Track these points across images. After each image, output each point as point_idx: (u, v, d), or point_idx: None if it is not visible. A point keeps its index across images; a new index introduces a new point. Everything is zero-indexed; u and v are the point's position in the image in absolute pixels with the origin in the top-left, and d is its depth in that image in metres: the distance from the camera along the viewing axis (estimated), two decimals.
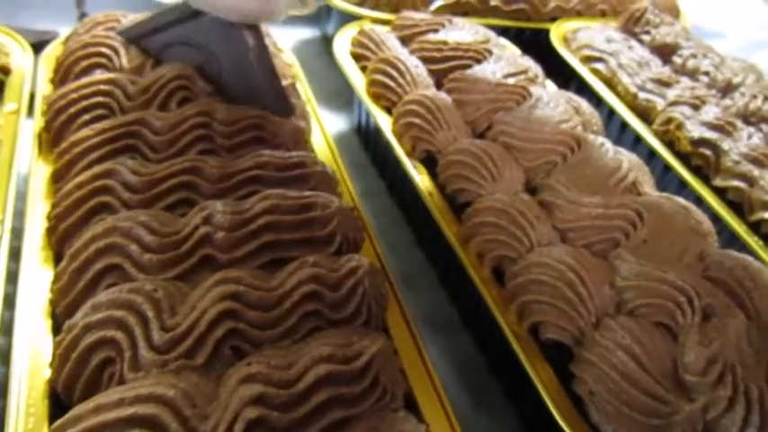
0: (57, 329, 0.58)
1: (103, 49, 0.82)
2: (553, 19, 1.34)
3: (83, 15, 1.21)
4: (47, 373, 0.54)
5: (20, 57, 0.89)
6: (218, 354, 0.53)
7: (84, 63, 0.81)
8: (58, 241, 0.64)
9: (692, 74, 1.13)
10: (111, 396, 0.47)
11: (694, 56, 1.15)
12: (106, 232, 0.59)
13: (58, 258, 0.63)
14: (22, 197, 0.70)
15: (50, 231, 0.65)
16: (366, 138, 1.10)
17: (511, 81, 0.93)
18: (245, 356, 0.53)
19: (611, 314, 0.67)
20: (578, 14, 1.37)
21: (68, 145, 0.70)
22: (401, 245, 0.95)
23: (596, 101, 1.13)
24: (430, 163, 0.89)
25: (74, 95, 0.75)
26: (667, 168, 1.02)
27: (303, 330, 0.57)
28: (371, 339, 0.56)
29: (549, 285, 0.68)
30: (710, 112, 1.01)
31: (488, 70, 0.94)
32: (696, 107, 1.03)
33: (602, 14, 1.40)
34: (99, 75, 0.78)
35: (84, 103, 0.74)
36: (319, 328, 0.58)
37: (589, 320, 0.66)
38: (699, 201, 0.94)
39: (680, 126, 1.01)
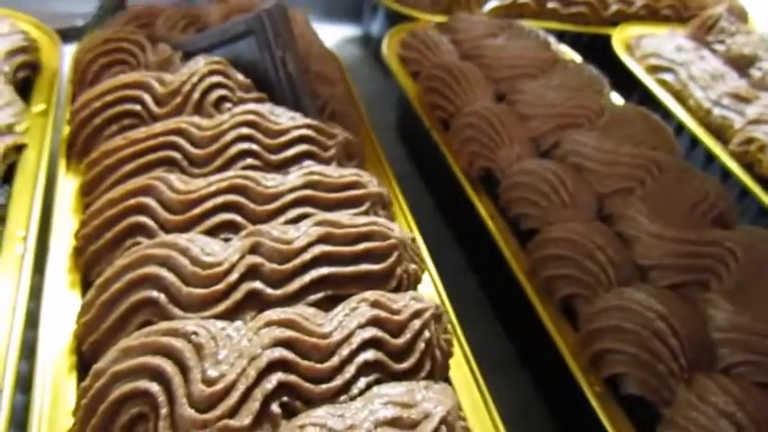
0: (82, 368, 0.51)
1: (125, 44, 0.75)
2: (613, 23, 1.24)
3: (121, 4, 1.14)
4: (68, 421, 0.47)
5: (49, 52, 0.82)
6: (266, 412, 0.46)
7: (105, 60, 0.74)
8: (86, 265, 0.58)
9: None
10: None
11: None
12: (140, 261, 0.52)
13: (85, 283, 0.57)
14: (47, 210, 0.64)
15: (78, 252, 0.59)
16: (413, 145, 1.02)
17: (580, 95, 0.84)
18: (294, 415, 0.46)
19: (705, 370, 0.59)
20: (640, 19, 1.28)
21: (99, 155, 0.63)
22: (450, 269, 0.87)
23: (664, 115, 1.04)
24: (489, 181, 0.81)
25: (97, 104, 0.67)
26: (744, 193, 0.93)
27: (361, 384, 0.49)
28: (438, 398, 0.49)
29: (633, 333, 0.60)
30: None
31: (554, 81, 0.86)
32: None
33: (666, 20, 1.30)
34: (123, 77, 0.70)
35: (110, 112, 0.67)
36: (378, 382, 0.50)
37: (681, 377, 0.58)
38: None
39: (762, 148, 0.91)
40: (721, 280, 0.66)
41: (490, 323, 0.81)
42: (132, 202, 0.57)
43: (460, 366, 0.59)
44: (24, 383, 0.51)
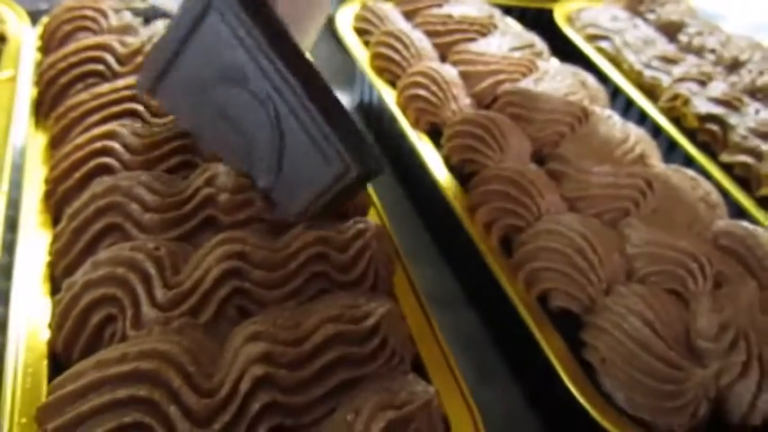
0: (55, 292, 0.56)
1: (87, 12, 0.80)
2: None
3: None
4: (46, 335, 0.52)
5: (16, 24, 0.87)
6: (223, 313, 0.51)
7: (68, 27, 0.78)
8: (57, 204, 0.62)
9: (698, 51, 1.12)
10: (113, 352, 0.46)
11: (700, 34, 1.14)
12: (106, 192, 0.57)
13: (56, 222, 0.62)
14: (18, 167, 0.69)
15: (49, 194, 0.63)
16: (369, 114, 1.08)
17: (517, 54, 0.91)
18: (250, 317, 0.52)
19: (622, 281, 0.66)
20: None
21: (65, 110, 0.68)
22: (403, 219, 0.94)
23: (602, 79, 1.12)
24: (435, 136, 0.88)
25: (62, 64, 0.72)
26: (673, 145, 1.01)
27: (310, 292, 0.55)
28: (379, 302, 0.55)
29: (558, 252, 0.67)
30: (717, 88, 1.00)
31: (494, 44, 0.93)
32: (703, 83, 1.02)
33: None
34: (86, 40, 0.75)
35: (75, 72, 0.72)
36: (326, 291, 0.56)
37: (600, 288, 0.65)
38: (706, 176, 0.93)
39: (686, 102, 1.00)
40: (639, 207, 0.73)
41: (440, 266, 0.88)
42: (98, 144, 0.62)
43: (406, 295, 0.65)
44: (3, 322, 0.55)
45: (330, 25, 1.17)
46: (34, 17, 0.94)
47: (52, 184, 0.63)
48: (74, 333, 0.50)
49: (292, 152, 0.55)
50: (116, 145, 0.62)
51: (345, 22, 1.08)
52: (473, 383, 0.74)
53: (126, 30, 0.77)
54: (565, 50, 1.19)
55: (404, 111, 0.89)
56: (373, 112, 1.06)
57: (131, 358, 0.45)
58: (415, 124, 0.88)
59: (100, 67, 0.72)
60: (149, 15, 0.78)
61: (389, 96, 0.93)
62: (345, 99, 1.15)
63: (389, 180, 1.00)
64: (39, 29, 0.82)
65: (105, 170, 0.62)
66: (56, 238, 0.57)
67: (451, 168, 0.83)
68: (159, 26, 0.74)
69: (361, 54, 1.01)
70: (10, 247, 0.60)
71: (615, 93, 1.11)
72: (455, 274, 0.87)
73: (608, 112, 0.86)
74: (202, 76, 0.58)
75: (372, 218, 0.70)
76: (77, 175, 0.61)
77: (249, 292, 0.52)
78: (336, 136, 0.53)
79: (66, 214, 0.57)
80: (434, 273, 0.88)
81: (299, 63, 0.56)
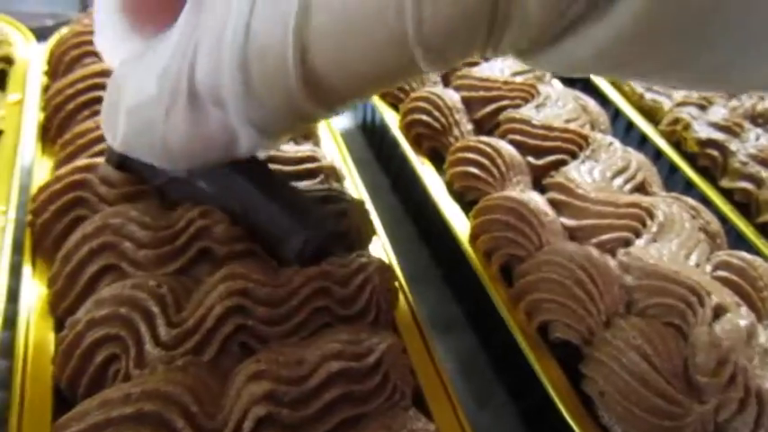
0: (58, 326, 0.57)
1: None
2: None
3: (85, 6, 1.20)
4: (49, 369, 0.53)
5: (23, 46, 0.87)
6: (226, 350, 0.52)
7: (76, 52, 0.79)
8: (36, 235, 0.62)
9: None
10: (117, 392, 0.46)
11: None
12: (97, 231, 0.57)
13: (38, 251, 0.62)
14: (25, 189, 0.69)
15: (30, 225, 0.63)
16: (371, 135, 1.09)
17: (519, 79, 0.92)
18: (253, 353, 0.52)
19: (622, 314, 0.66)
20: None
21: (72, 136, 0.69)
22: (405, 241, 0.94)
23: (602, 101, 1.12)
24: (437, 161, 0.88)
25: (70, 90, 0.73)
26: (673, 169, 1.01)
27: (312, 327, 0.56)
28: (381, 337, 0.56)
29: (558, 284, 0.67)
30: (718, 113, 1.00)
31: (496, 68, 0.93)
32: (703, 108, 1.03)
33: None
34: (94, 66, 0.76)
35: (82, 98, 0.73)
36: (328, 325, 0.57)
37: (599, 320, 0.65)
38: (705, 201, 0.94)
39: (687, 126, 1.00)
40: (639, 237, 0.73)
41: (441, 289, 0.89)
42: (76, 177, 0.62)
43: (408, 326, 0.66)
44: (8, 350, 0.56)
45: None
46: (39, 34, 0.95)
47: (32, 215, 0.63)
48: (78, 372, 0.50)
49: (255, 228, 0.59)
50: (93, 178, 0.62)
51: None
52: (472, 409, 0.75)
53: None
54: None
55: (406, 135, 0.90)
56: (376, 134, 1.06)
57: (135, 399, 0.45)
58: (417, 149, 0.89)
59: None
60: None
61: (392, 119, 0.93)
62: (348, 119, 1.16)
63: (391, 201, 1.01)
64: (46, 53, 0.83)
65: (81, 203, 0.61)
66: (52, 281, 0.57)
67: (454, 194, 0.83)
68: None
69: None
70: (18, 270, 0.61)
71: (616, 115, 1.12)
72: (456, 297, 0.88)
73: (609, 138, 0.86)
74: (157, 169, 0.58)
75: (374, 246, 0.71)
76: (53, 208, 0.61)
77: (252, 328, 0.53)
78: (284, 213, 0.57)
79: (59, 257, 0.57)
80: (436, 295, 0.88)
81: None
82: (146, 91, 0.47)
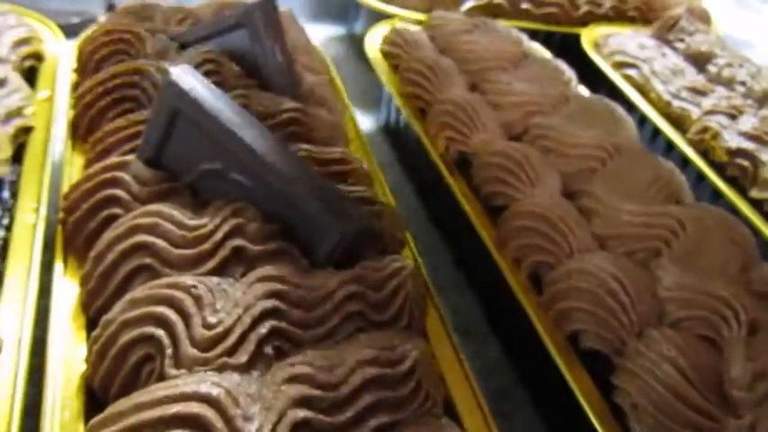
0: (90, 325, 0.56)
1: (124, 35, 0.80)
2: (583, 23, 1.32)
3: (111, 4, 1.20)
4: (81, 367, 0.53)
5: (52, 43, 0.88)
6: (260, 353, 0.51)
7: (105, 51, 0.79)
8: (68, 233, 0.62)
9: (728, 83, 1.11)
10: (154, 394, 0.46)
11: (730, 65, 1.13)
12: (129, 231, 0.57)
13: (69, 249, 0.62)
14: (56, 187, 0.69)
15: (62, 222, 0.63)
16: (395, 137, 1.08)
17: (547, 85, 0.91)
18: (286, 356, 0.52)
19: (654, 325, 0.65)
20: (609, 20, 1.36)
21: (103, 134, 0.69)
22: (428, 246, 0.94)
23: (628, 107, 1.11)
24: (463, 164, 0.88)
25: (100, 89, 0.73)
26: (701, 177, 1.00)
27: (345, 331, 0.55)
28: (413, 343, 0.55)
29: (589, 293, 0.66)
30: (748, 122, 0.99)
31: (524, 74, 0.93)
32: (733, 117, 1.02)
33: (632, 20, 1.38)
34: (123, 65, 0.75)
35: (112, 96, 0.73)
36: (360, 330, 0.56)
37: (631, 330, 0.64)
38: (734, 211, 0.92)
39: (716, 135, 0.99)
40: (671, 248, 0.72)
41: (464, 294, 0.88)
42: (108, 175, 0.62)
43: (437, 332, 0.65)
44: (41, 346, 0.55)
45: (359, 46, 1.17)
46: (66, 31, 0.95)
47: (64, 213, 0.63)
48: (112, 371, 0.50)
49: (289, 222, 0.58)
50: (126, 176, 0.61)
51: (374, 45, 1.09)
52: (497, 419, 0.75)
53: (162, 55, 0.77)
54: (591, 76, 1.19)
55: (433, 138, 0.90)
56: (399, 136, 1.06)
57: (172, 401, 0.45)
58: (444, 152, 0.88)
59: (137, 92, 0.73)
60: (185, 40, 0.79)
61: (418, 123, 0.93)
62: (370, 120, 1.15)
63: (413, 203, 1.00)
64: (75, 50, 0.83)
65: (114, 202, 0.61)
66: (84, 280, 0.57)
67: (480, 198, 0.83)
68: (195, 53, 0.75)
69: (389, 78, 1.01)
70: (49, 268, 0.61)
71: (642, 122, 1.11)
72: (481, 303, 0.87)
73: (639, 146, 0.85)
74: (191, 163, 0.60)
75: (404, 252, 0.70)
76: (86, 206, 0.61)
77: (286, 332, 0.53)
78: (322, 206, 0.56)
79: (91, 256, 0.57)
80: (459, 300, 0.88)
81: (270, 144, 0.58)
82: None
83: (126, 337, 0.50)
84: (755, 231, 0.90)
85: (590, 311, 0.66)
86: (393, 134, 1.09)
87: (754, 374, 0.60)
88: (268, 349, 0.52)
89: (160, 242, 0.56)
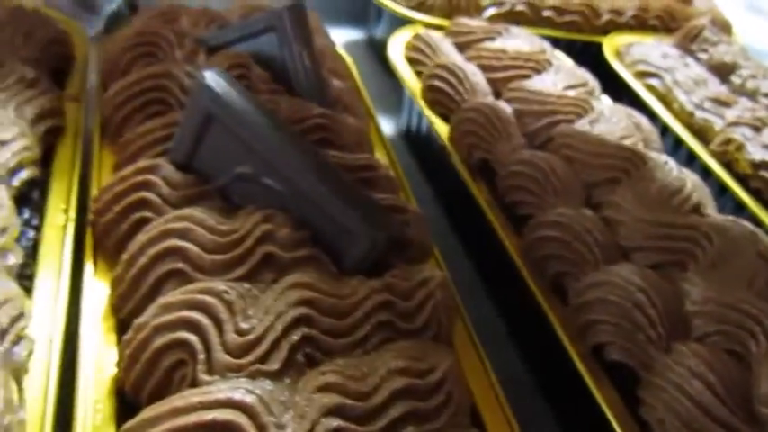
0: (120, 328, 0.56)
1: (153, 38, 0.81)
2: (605, 32, 1.32)
3: (134, 7, 1.20)
4: (112, 369, 0.53)
5: (80, 46, 0.88)
6: (292, 360, 0.51)
7: (134, 53, 0.80)
8: (98, 235, 0.62)
9: (752, 95, 1.11)
10: (188, 399, 0.46)
11: (754, 76, 1.13)
12: (161, 236, 0.57)
13: (99, 251, 0.62)
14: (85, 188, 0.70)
15: (92, 224, 0.63)
16: (416, 143, 1.08)
17: (571, 93, 0.91)
18: (316, 364, 0.52)
19: (681, 339, 0.65)
20: (630, 29, 1.35)
21: (134, 136, 0.69)
22: (449, 254, 0.93)
23: (650, 117, 1.11)
24: (485, 171, 0.88)
25: (129, 92, 0.73)
26: (723, 189, 1.00)
27: (374, 340, 0.55)
28: (443, 354, 0.55)
29: (616, 305, 0.66)
30: None
31: (548, 81, 0.92)
32: (757, 129, 1.01)
33: (654, 29, 1.37)
34: (152, 68, 0.76)
35: (141, 99, 0.73)
36: (389, 339, 0.56)
37: (659, 345, 0.64)
38: (757, 224, 0.92)
39: (740, 148, 0.98)
40: (697, 260, 0.72)
41: (484, 303, 0.88)
42: (140, 178, 0.62)
43: (463, 341, 0.65)
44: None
45: (381, 51, 1.17)
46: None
47: (95, 214, 0.63)
48: (144, 376, 0.50)
49: (320, 228, 0.58)
50: (157, 179, 0.62)
51: (397, 50, 1.09)
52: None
53: (190, 58, 0.77)
54: (613, 85, 1.19)
55: (456, 145, 0.89)
56: (420, 142, 1.06)
57: (207, 407, 0.45)
58: (467, 159, 0.88)
59: (165, 95, 0.73)
60: (213, 44, 0.79)
61: (441, 129, 0.93)
62: (391, 125, 1.15)
63: (433, 212, 1.00)
64: (102, 52, 0.83)
65: (145, 205, 0.61)
66: (115, 283, 0.57)
67: (503, 207, 0.82)
68: (223, 57, 0.75)
69: (412, 83, 1.01)
70: (78, 269, 0.61)
71: (663, 132, 1.10)
72: (499, 310, 0.87)
73: (664, 157, 0.85)
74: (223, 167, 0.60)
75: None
76: (117, 208, 0.61)
77: (317, 339, 0.53)
78: (354, 212, 0.56)
79: (123, 260, 0.57)
80: (478, 308, 0.87)
81: (301, 149, 0.59)
82: None
83: (159, 341, 0.50)
84: None
85: (616, 324, 0.66)
86: (413, 140, 1.09)
87: None
88: (300, 356, 0.52)
89: (192, 247, 0.56)
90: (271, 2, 0.91)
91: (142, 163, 0.63)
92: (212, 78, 0.58)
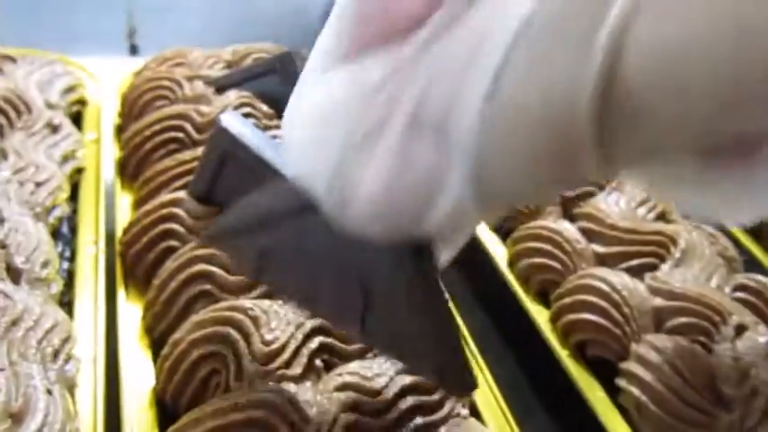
0: (154, 346, 0.63)
1: (164, 82, 0.89)
2: None
3: (133, 48, 1.29)
4: (150, 382, 0.60)
5: (93, 88, 0.95)
6: (311, 365, 0.59)
7: (148, 97, 0.88)
8: (127, 264, 0.70)
9: None
10: (225, 402, 0.53)
11: None
12: (189, 262, 0.65)
13: (129, 278, 0.69)
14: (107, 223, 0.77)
15: (121, 255, 0.71)
16: None
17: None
18: (333, 368, 0.59)
19: (652, 332, 0.73)
20: None
21: (153, 174, 0.76)
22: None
23: None
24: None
25: (146, 133, 0.82)
26: None
27: None
28: None
29: (595, 306, 0.74)
30: None
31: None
32: None
33: None
34: (166, 110, 0.84)
35: (158, 139, 0.81)
36: None
37: (634, 338, 0.72)
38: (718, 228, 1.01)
39: None
40: (665, 262, 0.81)
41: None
42: (164, 211, 0.70)
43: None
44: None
45: None
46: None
47: (124, 246, 0.71)
48: (183, 385, 0.57)
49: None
50: (180, 212, 0.70)
51: None
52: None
53: (200, 99, 0.85)
54: None
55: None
56: None
57: (242, 407, 0.52)
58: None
59: (180, 134, 0.81)
60: (221, 85, 0.87)
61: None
62: None
63: None
64: (119, 98, 0.91)
65: (171, 235, 0.69)
66: (148, 306, 0.65)
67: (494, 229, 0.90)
68: (231, 96, 0.83)
69: None
70: (111, 295, 0.68)
71: None
72: (493, 320, 0.94)
73: None
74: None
75: None
76: (145, 239, 0.69)
77: (332, 346, 0.60)
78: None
79: (154, 285, 0.65)
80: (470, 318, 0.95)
81: None
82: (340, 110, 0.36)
83: (195, 354, 0.57)
84: (740, 245, 0.98)
85: (596, 323, 0.74)
86: None
87: (741, 373, 0.68)
88: (318, 362, 0.60)
89: (217, 270, 0.63)
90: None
91: (165, 197, 0.71)
92: (228, 120, 0.66)
